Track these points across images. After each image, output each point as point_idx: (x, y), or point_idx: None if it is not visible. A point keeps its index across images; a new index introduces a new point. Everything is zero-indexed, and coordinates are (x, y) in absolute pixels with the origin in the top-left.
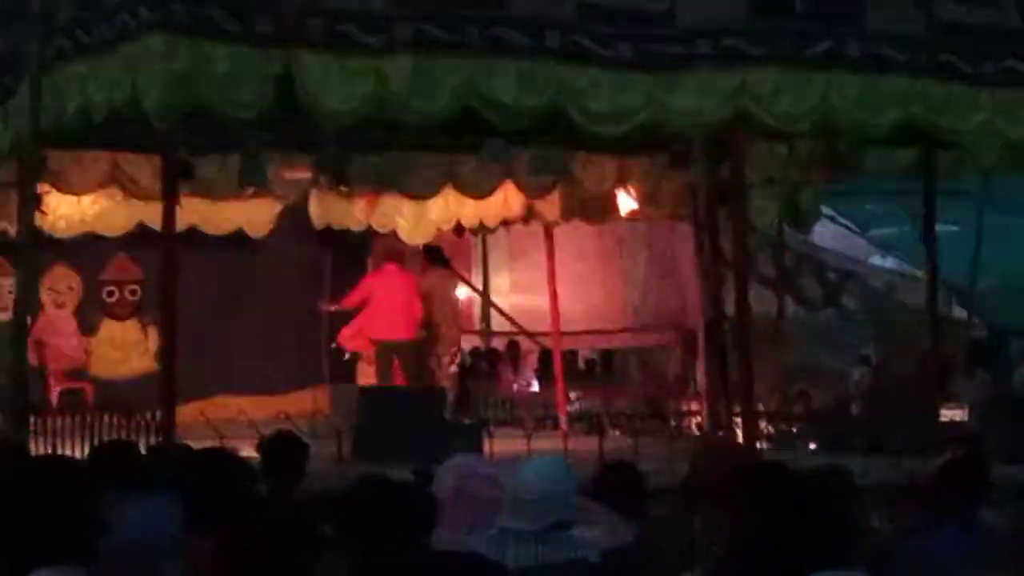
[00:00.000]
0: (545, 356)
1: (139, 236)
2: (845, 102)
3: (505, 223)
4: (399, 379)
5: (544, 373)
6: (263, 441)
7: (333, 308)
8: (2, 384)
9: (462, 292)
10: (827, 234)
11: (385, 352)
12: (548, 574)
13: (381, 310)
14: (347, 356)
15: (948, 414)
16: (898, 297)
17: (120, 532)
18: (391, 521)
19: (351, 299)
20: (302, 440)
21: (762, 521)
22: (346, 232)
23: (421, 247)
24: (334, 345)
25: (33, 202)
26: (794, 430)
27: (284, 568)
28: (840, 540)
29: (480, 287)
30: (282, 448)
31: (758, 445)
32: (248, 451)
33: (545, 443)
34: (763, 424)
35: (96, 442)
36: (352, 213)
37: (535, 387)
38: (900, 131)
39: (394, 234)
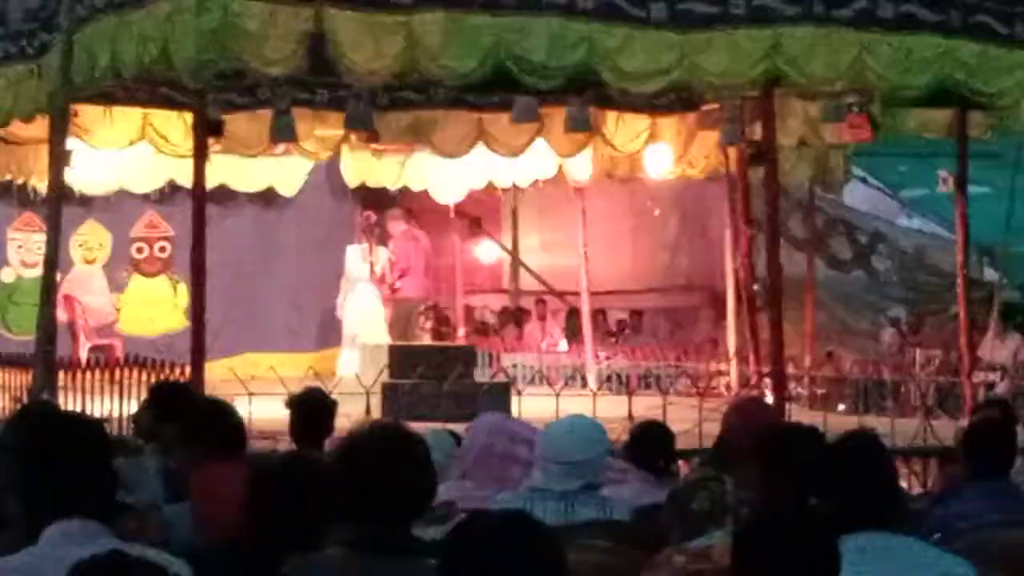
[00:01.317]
0: (573, 316)
1: (169, 193)
2: (878, 62)
3: (536, 182)
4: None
5: (572, 333)
6: (292, 399)
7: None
8: (32, 340)
9: (492, 250)
10: (858, 195)
11: (405, 310)
12: (577, 533)
13: (400, 270)
14: None
15: (979, 376)
16: (929, 259)
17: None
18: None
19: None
20: (330, 398)
21: (794, 482)
22: (379, 190)
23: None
24: None
25: (63, 158)
26: (823, 391)
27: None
28: (872, 502)
29: (509, 246)
30: (310, 406)
31: (787, 406)
32: (278, 408)
33: (574, 403)
34: (792, 385)
35: (124, 399)
36: (385, 171)
37: (563, 347)
38: (933, 92)
39: (426, 193)
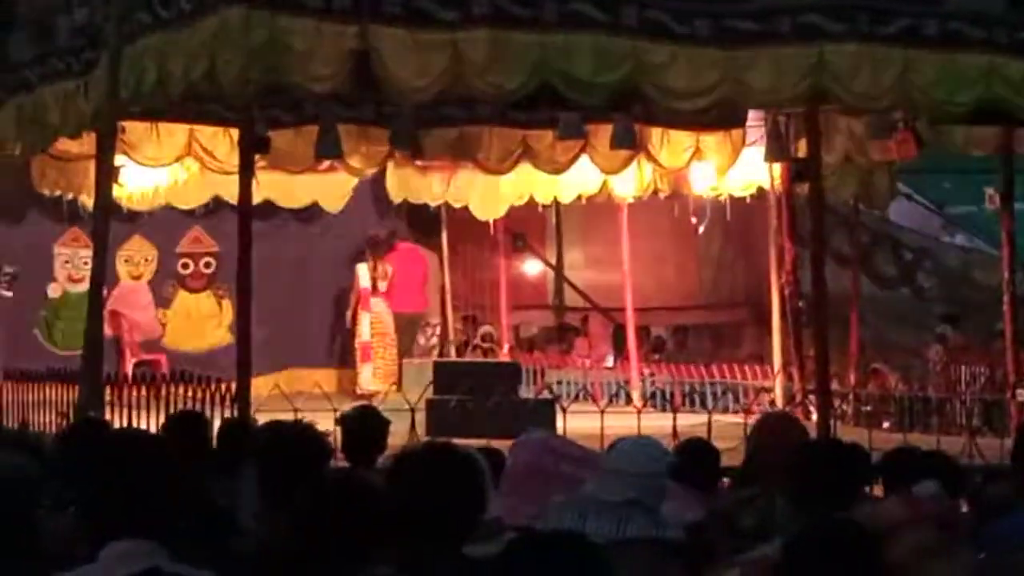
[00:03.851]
0: (618, 332)
1: (214, 208)
2: (924, 80)
3: (579, 198)
4: None
5: (617, 349)
6: (344, 416)
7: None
8: (78, 355)
9: (536, 267)
10: (903, 211)
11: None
12: (627, 549)
13: (399, 285)
14: None
15: None
16: (974, 275)
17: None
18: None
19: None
20: (383, 416)
21: (826, 499)
22: (422, 206)
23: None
24: None
25: (110, 174)
26: (868, 408)
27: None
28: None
29: (553, 262)
30: (363, 424)
31: (831, 423)
32: (325, 425)
33: (618, 419)
34: (837, 402)
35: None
36: (428, 187)
37: (609, 363)
38: (979, 109)
39: (467, 209)
